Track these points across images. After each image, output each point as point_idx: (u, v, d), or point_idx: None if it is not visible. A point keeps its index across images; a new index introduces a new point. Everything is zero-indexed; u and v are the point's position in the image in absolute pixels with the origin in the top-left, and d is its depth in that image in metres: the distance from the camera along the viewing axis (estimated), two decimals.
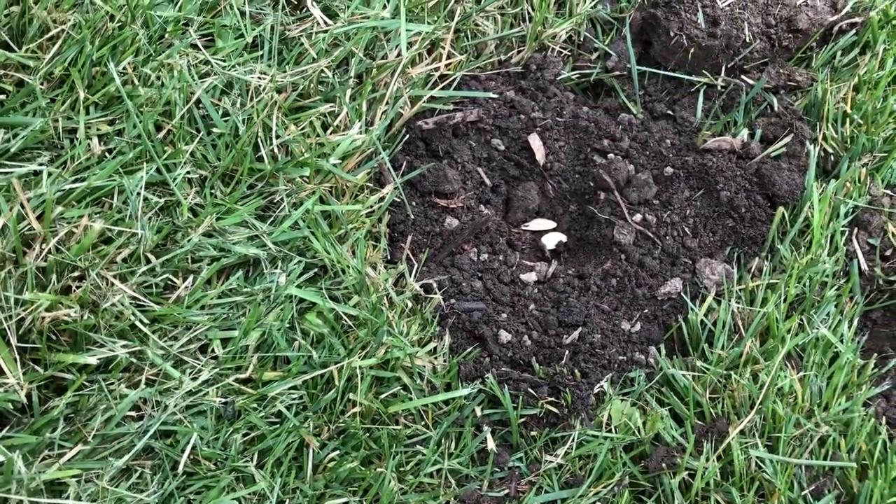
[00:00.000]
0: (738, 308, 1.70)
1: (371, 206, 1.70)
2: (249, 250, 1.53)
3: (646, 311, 1.72)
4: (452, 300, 1.67)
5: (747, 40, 1.97)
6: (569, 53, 2.03)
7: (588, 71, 2.01)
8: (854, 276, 1.78)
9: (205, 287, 1.50)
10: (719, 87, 1.98)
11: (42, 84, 1.52)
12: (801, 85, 1.99)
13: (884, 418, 1.63)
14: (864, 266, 1.81)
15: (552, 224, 1.85)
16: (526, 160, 1.87)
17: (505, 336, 1.64)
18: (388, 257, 1.71)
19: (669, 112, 1.97)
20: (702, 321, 1.69)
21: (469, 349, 1.63)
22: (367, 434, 1.50)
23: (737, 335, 1.69)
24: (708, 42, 1.96)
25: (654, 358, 1.68)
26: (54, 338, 1.39)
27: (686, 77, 2.00)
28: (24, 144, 1.47)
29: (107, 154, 1.53)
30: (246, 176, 1.59)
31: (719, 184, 1.83)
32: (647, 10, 2.02)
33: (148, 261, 1.47)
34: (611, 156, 1.86)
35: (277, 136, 1.62)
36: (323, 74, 1.72)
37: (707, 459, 1.53)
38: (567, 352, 1.63)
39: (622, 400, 1.62)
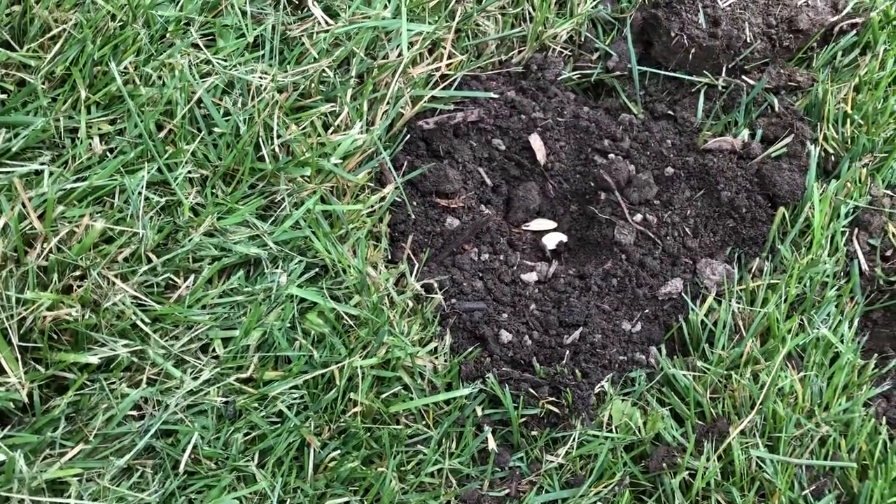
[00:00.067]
0: (738, 308, 1.70)
1: (372, 206, 1.70)
2: (250, 250, 1.53)
3: (646, 311, 1.72)
4: (453, 300, 1.67)
5: (748, 41, 1.97)
6: (570, 53, 2.03)
7: (589, 71, 2.01)
8: (854, 277, 1.79)
9: (206, 286, 1.50)
10: (720, 88, 1.98)
11: (43, 83, 1.52)
12: (802, 85, 1.99)
13: (884, 418, 1.64)
14: (865, 266, 1.81)
15: (553, 224, 1.85)
16: (527, 160, 1.87)
17: (506, 336, 1.64)
18: (389, 257, 1.71)
19: (670, 112, 1.97)
20: (702, 321, 1.69)
21: (470, 349, 1.63)
22: (368, 434, 1.50)
23: (737, 335, 1.69)
24: (709, 42, 1.96)
25: (654, 358, 1.68)
26: (55, 337, 1.39)
27: (687, 77, 2.00)
28: (26, 144, 1.47)
29: (108, 153, 1.53)
30: (247, 175, 1.59)
31: (720, 184, 1.83)
32: (647, 11, 2.02)
33: (149, 260, 1.47)
34: (611, 156, 1.86)
35: (278, 136, 1.62)
36: (324, 74, 1.72)
37: (708, 459, 1.53)
38: (568, 352, 1.64)
39: (623, 400, 1.62)
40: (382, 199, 1.72)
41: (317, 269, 1.59)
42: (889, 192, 1.89)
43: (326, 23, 1.78)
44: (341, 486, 1.46)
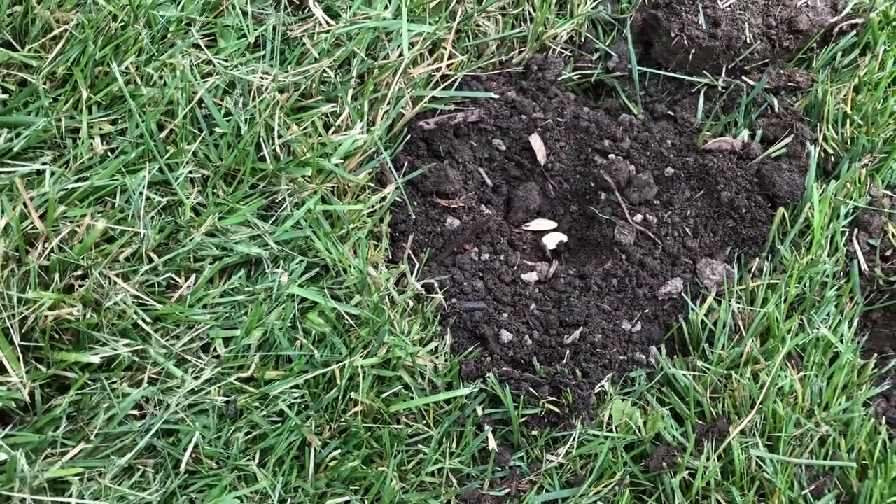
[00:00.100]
0: (738, 308, 1.70)
1: (373, 206, 1.70)
2: (251, 250, 1.54)
3: (646, 311, 1.72)
4: (454, 300, 1.67)
5: (748, 41, 1.97)
6: (570, 54, 2.03)
7: (589, 71, 2.02)
8: (854, 277, 1.79)
9: (207, 286, 1.51)
10: (720, 88, 1.99)
11: (45, 84, 1.52)
12: (802, 86, 1.99)
13: (884, 418, 1.64)
14: (865, 266, 1.81)
15: (553, 224, 1.86)
16: (527, 160, 1.88)
17: (506, 336, 1.65)
18: (390, 257, 1.72)
19: (670, 112, 1.97)
20: (702, 321, 1.69)
21: (470, 349, 1.63)
22: (369, 433, 1.50)
23: (737, 335, 1.69)
24: (709, 43, 1.97)
25: (654, 358, 1.68)
26: (57, 336, 1.39)
27: (687, 78, 2.00)
28: (27, 144, 1.47)
29: (109, 153, 1.54)
30: (248, 175, 1.60)
31: (720, 184, 1.83)
32: (647, 11, 2.03)
33: (150, 260, 1.47)
34: (612, 156, 1.87)
35: (279, 136, 1.62)
36: (325, 74, 1.72)
37: (707, 459, 1.53)
38: (568, 351, 1.64)
39: (623, 399, 1.62)
40: (383, 199, 1.72)
41: (318, 269, 1.59)
42: (888, 192, 1.90)
43: (327, 23, 1.78)
44: (342, 485, 1.46)
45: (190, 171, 1.56)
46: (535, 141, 1.87)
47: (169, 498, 1.39)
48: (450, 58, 1.88)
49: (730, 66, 1.99)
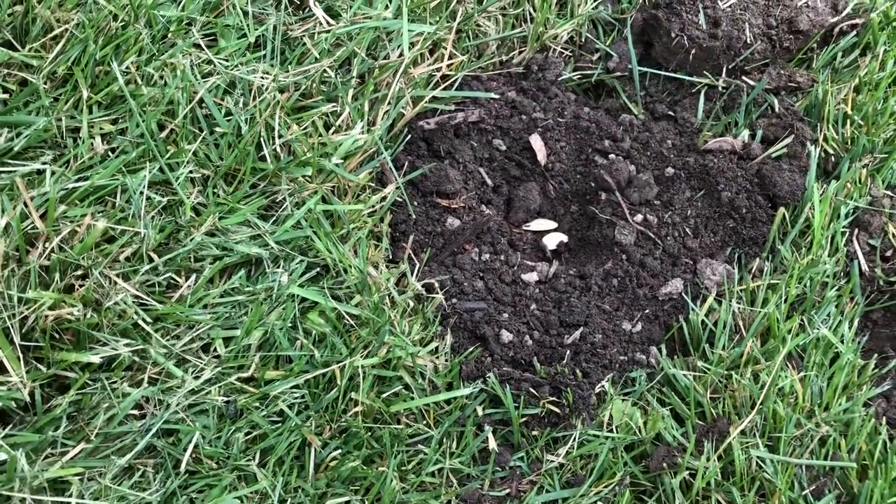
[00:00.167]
0: (738, 308, 1.70)
1: (373, 206, 1.70)
2: (252, 249, 1.54)
3: (647, 311, 1.72)
4: (454, 300, 1.67)
5: (748, 41, 1.97)
6: (570, 54, 2.03)
7: (589, 72, 2.02)
8: (854, 277, 1.79)
9: (207, 286, 1.51)
10: (720, 88, 1.99)
11: (45, 83, 1.52)
12: (802, 86, 1.99)
13: (884, 418, 1.64)
14: (865, 267, 1.81)
15: (553, 224, 1.86)
16: (527, 160, 1.88)
17: (506, 336, 1.65)
18: (390, 257, 1.72)
19: (670, 113, 1.97)
20: (703, 321, 1.69)
21: (470, 349, 1.63)
22: (369, 433, 1.50)
23: (738, 335, 1.69)
24: (709, 43, 1.96)
25: (655, 358, 1.68)
26: (57, 336, 1.39)
27: (687, 78, 2.00)
28: (28, 143, 1.47)
29: (110, 153, 1.54)
30: (248, 175, 1.60)
31: (720, 184, 1.83)
32: (648, 11, 2.03)
33: (151, 260, 1.47)
34: (612, 156, 1.87)
35: (280, 136, 1.62)
36: (325, 74, 1.72)
37: (708, 459, 1.53)
38: (568, 352, 1.64)
39: (623, 400, 1.62)
40: (383, 199, 1.72)
41: (318, 269, 1.59)
42: (889, 192, 1.90)
43: (328, 23, 1.78)
44: (342, 485, 1.46)
45: (190, 171, 1.56)
46: (536, 141, 1.87)
47: (169, 498, 1.39)
48: (450, 58, 1.88)
49: (730, 67, 1.99)
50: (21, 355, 1.34)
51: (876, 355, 1.73)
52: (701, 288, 1.75)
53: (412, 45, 1.80)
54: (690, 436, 1.56)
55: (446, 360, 1.61)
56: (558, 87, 1.97)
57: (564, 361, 1.63)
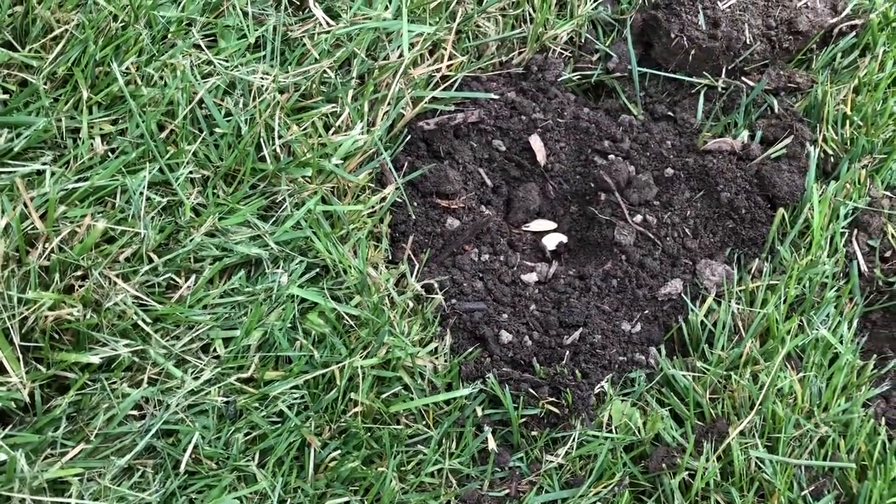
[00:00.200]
0: (738, 309, 1.70)
1: (373, 207, 1.70)
2: (251, 250, 1.54)
3: (646, 311, 1.72)
4: (453, 300, 1.67)
5: (748, 42, 1.97)
6: (570, 55, 2.03)
7: (589, 72, 2.02)
8: (854, 278, 1.79)
9: (207, 286, 1.51)
10: (720, 89, 1.99)
11: (45, 84, 1.52)
12: (802, 87, 1.99)
13: (883, 419, 1.64)
14: (864, 267, 1.81)
15: (553, 225, 1.86)
16: (527, 161, 1.88)
17: (506, 336, 1.65)
18: (390, 257, 1.72)
19: (670, 113, 1.98)
20: (702, 322, 1.69)
21: (470, 349, 1.63)
22: (369, 434, 1.50)
23: (737, 336, 1.69)
24: (708, 44, 1.97)
25: (654, 358, 1.68)
26: (57, 337, 1.39)
27: (686, 78, 2.00)
28: (28, 144, 1.47)
29: (110, 154, 1.54)
30: (248, 176, 1.60)
31: (720, 185, 1.83)
32: (647, 12, 2.03)
33: (150, 260, 1.47)
34: (611, 157, 1.87)
35: (280, 137, 1.63)
36: (325, 75, 1.72)
37: (707, 460, 1.53)
38: (568, 352, 1.64)
39: (622, 400, 1.62)
40: (383, 199, 1.72)
41: (317, 270, 1.59)
42: (888, 193, 1.90)
43: (328, 24, 1.78)
44: (342, 485, 1.46)
45: (190, 172, 1.56)
46: (535, 141, 1.87)
47: (168, 498, 1.39)
48: (450, 58, 1.88)
49: (729, 67, 1.99)
50: (21, 356, 1.35)
51: (875, 356, 1.73)
52: (700, 288, 1.75)
53: (412, 45, 1.80)
54: (689, 436, 1.56)
55: (446, 361, 1.62)
56: (558, 87, 1.97)
57: (564, 362, 1.63)
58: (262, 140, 1.61)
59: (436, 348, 1.62)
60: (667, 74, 2.01)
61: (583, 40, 2.04)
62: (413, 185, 1.78)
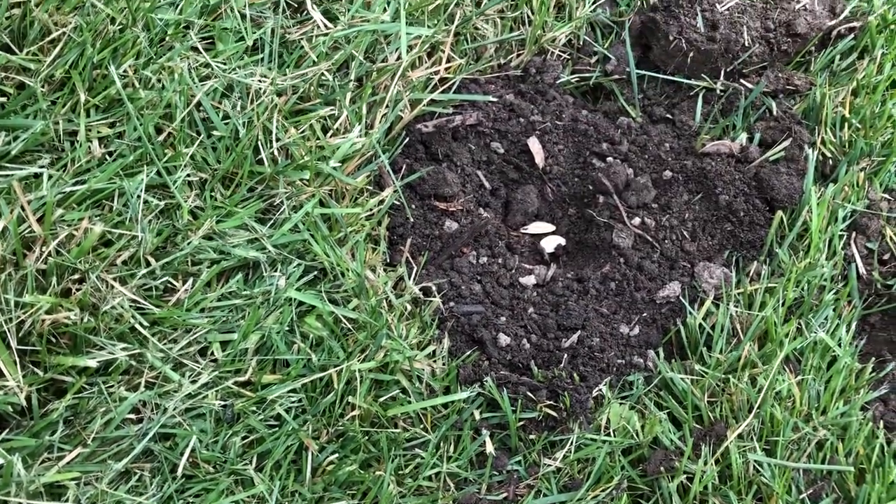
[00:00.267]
0: (736, 312, 1.70)
1: (371, 209, 1.70)
2: (249, 253, 1.54)
3: (644, 314, 1.72)
4: (451, 303, 1.67)
5: (746, 44, 1.97)
6: (568, 57, 2.03)
7: (587, 74, 2.02)
8: (852, 280, 1.79)
9: (204, 290, 1.51)
10: (718, 91, 1.99)
11: (43, 87, 1.52)
12: (800, 89, 1.99)
13: (881, 422, 1.64)
14: (862, 270, 1.81)
15: (551, 227, 1.86)
16: (525, 163, 1.88)
17: (504, 339, 1.65)
18: (388, 260, 1.72)
19: (668, 116, 1.97)
20: (700, 325, 1.69)
21: (468, 352, 1.63)
22: (366, 437, 1.50)
23: (735, 339, 1.69)
24: (707, 46, 1.97)
25: (652, 361, 1.68)
26: (54, 340, 1.39)
27: (685, 81, 2.00)
28: (25, 147, 1.47)
29: (107, 157, 1.53)
30: (246, 179, 1.60)
31: (718, 187, 1.83)
32: (646, 14, 2.03)
33: (148, 263, 1.47)
34: (610, 159, 1.87)
35: (277, 139, 1.62)
36: (323, 77, 1.72)
37: (705, 463, 1.53)
38: (566, 355, 1.64)
39: (621, 403, 1.62)
40: (381, 202, 1.72)
41: (315, 273, 1.59)
42: (886, 195, 1.90)
43: (326, 26, 1.78)
44: (339, 489, 1.46)
45: (188, 175, 1.56)
46: (534, 144, 1.87)
47: (166, 502, 1.39)
48: (448, 61, 1.88)
49: (728, 70, 1.99)
50: (18, 359, 1.34)
51: (873, 359, 1.73)
52: (698, 291, 1.75)
53: (410, 48, 1.80)
54: (688, 439, 1.56)
55: (444, 364, 1.61)
56: (556, 89, 1.97)
57: (562, 365, 1.63)
58: (259, 143, 1.61)
59: (434, 351, 1.62)
60: (665, 77, 2.01)
61: (581, 42, 2.04)
62: (411, 188, 1.78)
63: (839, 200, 1.84)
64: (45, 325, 1.36)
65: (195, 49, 1.67)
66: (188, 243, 1.50)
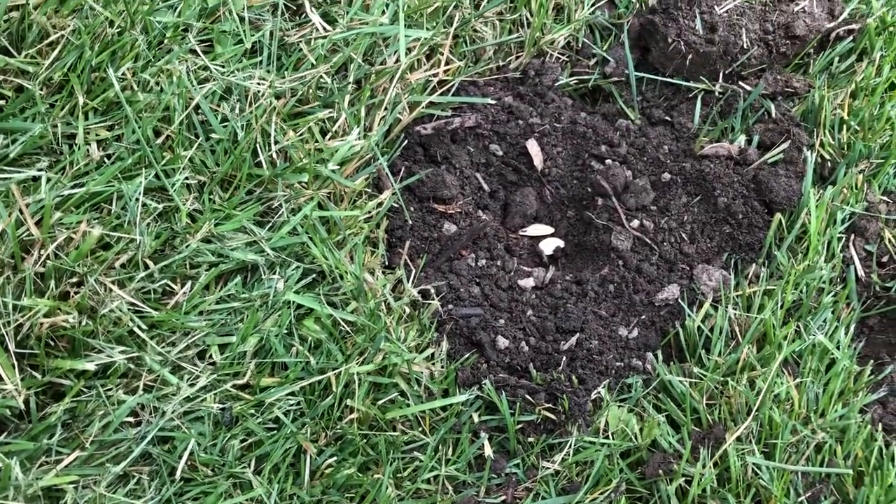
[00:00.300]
0: (735, 314, 1.70)
1: (369, 212, 1.70)
2: (248, 256, 1.54)
3: (643, 317, 1.72)
4: (450, 306, 1.67)
5: (745, 46, 1.97)
6: (567, 59, 2.03)
7: (586, 77, 2.02)
8: (851, 283, 1.79)
9: (203, 293, 1.51)
10: (717, 93, 1.99)
11: (41, 89, 1.52)
12: (799, 91, 1.99)
13: (880, 425, 1.64)
14: (861, 272, 1.81)
15: (550, 230, 1.86)
16: (524, 166, 1.88)
17: (502, 342, 1.65)
18: (386, 263, 1.72)
19: (667, 118, 1.97)
20: (699, 327, 1.69)
21: (466, 355, 1.63)
22: (365, 440, 1.50)
23: (734, 341, 1.69)
24: (706, 48, 1.97)
25: (651, 364, 1.68)
26: (52, 344, 1.39)
27: (684, 83, 2.00)
28: (24, 150, 1.47)
29: (106, 159, 1.53)
30: (244, 181, 1.60)
31: (717, 190, 1.83)
32: (645, 17, 2.03)
33: (146, 266, 1.47)
34: (608, 161, 1.87)
35: (276, 142, 1.62)
36: (322, 80, 1.72)
37: (704, 466, 1.53)
38: (564, 358, 1.64)
39: (619, 406, 1.62)
40: (380, 204, 1.72)
41: (314, 276, 1.59)
42: (885, 197, 1.90)
43: (324, 29, 1.78)
44: (337, 492, 1.46)
45: (186, 178, 1.56)
46: (532, 146, 1.87)
47: None
48: (447, 63, 1.88)
49: (727, 72, 1.99)
50: (16, 363, 1.34)
51: (872, 361, 1.73)
52: (697, 294, 1.75)
53: (409, 50, 1.80)
54: (686, 442, 1.56)
55: (442, 367, 1.61)
56: (555, 92, 1.97)
57: (560, 368, 1.63)
58: (258, 145, 1.61)
59: (432, 354, 1.62)
60: (664, 79, 2.01)
61: (580, 45, 2.04)
62: (410, 190, 1.78)
63: (838, 203, 1.84)
64: (43, 329, 1.36)
65: (194, 52, 1.67)
66: (186, 246, 1.50)
